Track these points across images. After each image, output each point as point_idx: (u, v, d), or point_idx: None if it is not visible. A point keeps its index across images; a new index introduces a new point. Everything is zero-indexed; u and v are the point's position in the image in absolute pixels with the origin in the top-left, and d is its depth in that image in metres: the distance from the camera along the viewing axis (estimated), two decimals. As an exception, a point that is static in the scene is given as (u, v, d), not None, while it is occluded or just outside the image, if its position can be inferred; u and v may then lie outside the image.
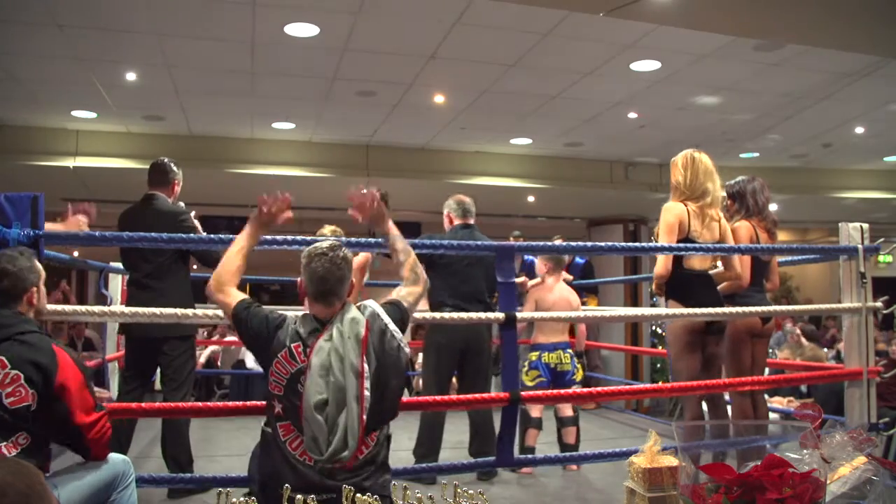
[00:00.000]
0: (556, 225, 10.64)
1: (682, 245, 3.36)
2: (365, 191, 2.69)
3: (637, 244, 3.50)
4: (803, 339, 6.33)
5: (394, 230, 2.74)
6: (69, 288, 5.60)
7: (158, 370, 3.84)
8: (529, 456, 4.10)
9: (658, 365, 9.23)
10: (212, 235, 3.04)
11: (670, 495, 2.21)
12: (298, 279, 2.36)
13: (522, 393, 3.20)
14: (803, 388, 5.61)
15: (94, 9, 4.27)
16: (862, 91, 5.79)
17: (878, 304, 3.65)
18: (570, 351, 4.62)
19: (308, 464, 2.12)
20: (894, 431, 3.68)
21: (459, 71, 5.39)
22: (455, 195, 4.40)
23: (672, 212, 3.43)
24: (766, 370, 4.29)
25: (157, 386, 5.01)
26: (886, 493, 1.91)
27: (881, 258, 12.50)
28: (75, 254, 6.08)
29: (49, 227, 2.78)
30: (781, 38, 4.75)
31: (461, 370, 4.20)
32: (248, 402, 2.93)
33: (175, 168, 3.87)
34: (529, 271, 7.05)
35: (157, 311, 2.77)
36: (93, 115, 6.49)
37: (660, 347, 8.23)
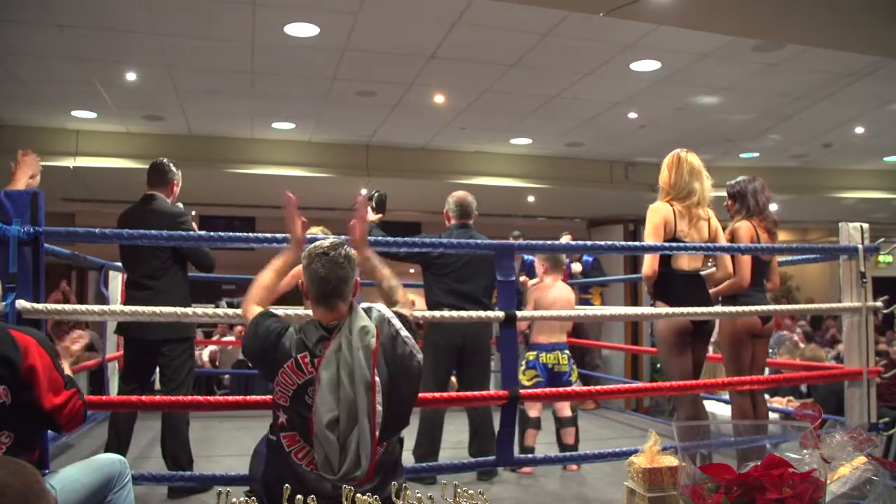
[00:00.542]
0: (556, 225, 10.64)
1: (681, 245, 3.36)
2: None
3: (637, 243, 3.48)
4: (801, 343, 6.33)
5: (374, 258, 2.53)
6: (69, 288, 5.58)
7: (158, 370, 3.84)
8: (529, 455, 4.10)
9: (658, 365, 9.22)
10: (210, 233, 3.02)
11: (670, 495, 2.21)
12: (300, 281, 2.28)
13: (522, 391, 3.20)
14: (803, 387, 5.61)
15: (94, 9, 4.27)
16: (862, 91, 5.79)
17: (879, 303, 3.65)
18: (567, 352, 4.61)
19: (315, 473, 2.07)
20: (894, 431, 3.68)
21: (459, 71, 5.40)
22: (457, 193, 4.36)
23: (657, 213, 3.43)
24: (766, 370, 4.29)
25: (157, 386, 4.99)
26: (886, 493, 1.91)
27: (881, 258, 12.50)
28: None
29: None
30: (781, 38, 4.75)
31: (460, 370, 4.20)
32: (249, 397, 2.93)
33: (174, 168, 3.87)
34: (529, 271, 7.05)
35: (157, 309, 2.76)
36: (93, 115, 6.49)
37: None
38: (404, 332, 2.18)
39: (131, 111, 6.43)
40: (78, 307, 2.66)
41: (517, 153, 8.12)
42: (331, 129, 7.15)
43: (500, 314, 3.08)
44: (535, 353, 4.54)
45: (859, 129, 7.11)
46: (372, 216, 4.18)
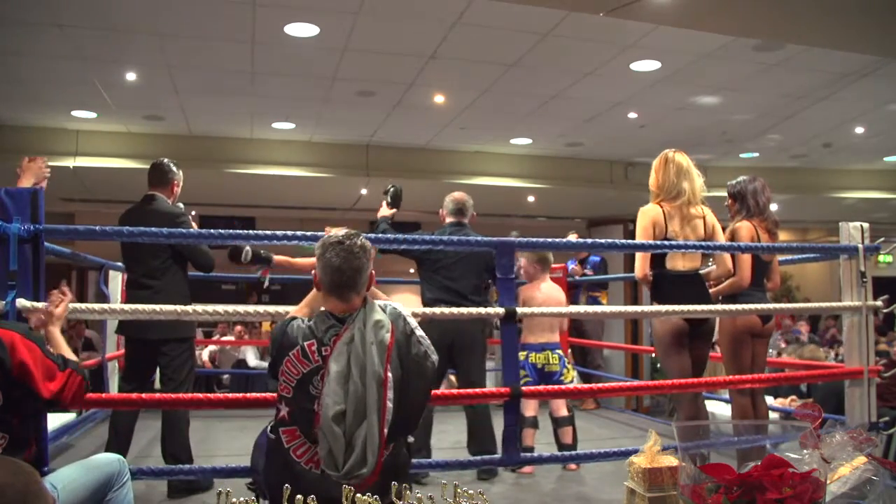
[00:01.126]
0: (556, 225, 10.65)
1: (679, 244, 3.36)
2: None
3: (637, 242, 3.47)
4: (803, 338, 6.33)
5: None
6: (69, 287, 5.60)
7: (158, 370, 3.84)
8: (534, 455, 4.05)
9: (658, 364, 9.23)
10: (210, 231, 3.02)
11: (670, 495, 2.21)
12: (313, 272, 2.21)
13: (523, 388, 3.19)
14: (803, 387, 5.61)
15: (94, 9, 4.27)
16: (862, 91, 5.79)
17: (879, 303, 3.65)
18: (558, 352, 4.56)
19: (314, 472, 1.99)
20: (894, 431, 3.68)
21: (459, 71, 5.40)
22: (454, 193, 4.37)
23: (647, 215, 3.42)
24: (766, 370, 4.28)
25: (158, 385, 4.97)
26: (886, 493, 1.91)
27: (881, 258, 12.50)
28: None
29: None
30: (781, 38, 4.75)
31: (457, 368, 4.20)
32: (249, 395, 2.93)
33: (175, 169, 3.86)
34: (595, 271, 7.10)
35: (157, 307, 2.76)
36: (93, 115, 6.49)
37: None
38: (419, 332, 2.12)
39: (131, 111, 6.43)
40: (78, 306, 2.65)
41: (517, 153, 8.12)
42: (331, 129, 7.15)
43: (500, 310, 3.08)
44: (524, 353, 4.50)
45: (859, 129, 7.11)
46: (386, 210, 4.22)
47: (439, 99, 6.09)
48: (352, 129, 7.18)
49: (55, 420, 4.11)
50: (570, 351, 6.92)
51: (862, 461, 1.94)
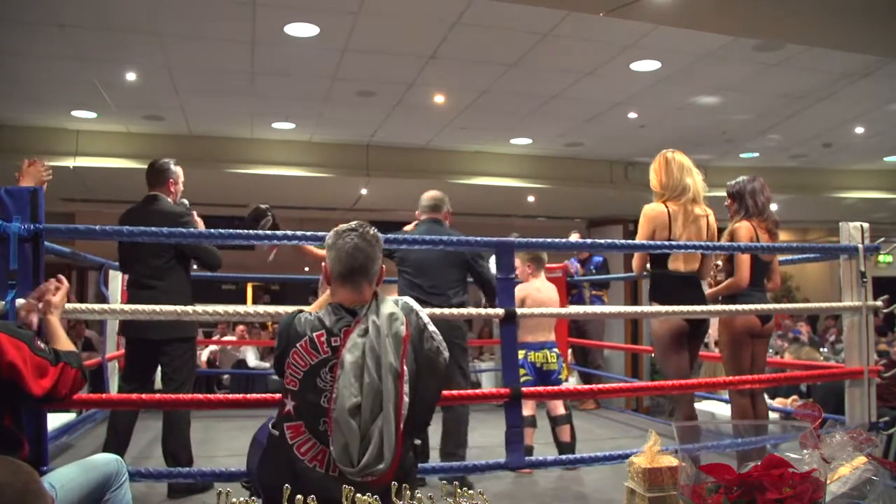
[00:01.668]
0: (556, 225, 10.65)
1: (680, 244, 3.36)
2: None
3: (637, 242, 3.47)
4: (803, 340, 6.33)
5: None
6: (68, 288, 5.60)
7: (159, 370, 3.84)
8: (537, 458, 3.98)
9: (658, 364, 9.23)
10: (211, 231, 3.02)
11: (670, 495, 2.21)
12: (323, 263, 2.18)
13: (523, 389, 3.19)
14: (803, 387, 5.61)
15: (94, 9, 4.27)
16: (862, 91, 5.79)
17: (879, 303, 3.65)
18: (556, 350, 4.57)
19: (318, 471, 1.92)
20: (894, 431, 3.68)
21: (459, 71, 5.40)
22: (429, 191, 4.25)
23: (649, 215, 3.44)
24: (766, 370, 4.28)
25: (157, 385, 4.96)
26: (886, 493, 1.91)
27: (881, 258, 12.51)
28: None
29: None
30: (781, 38, 4.75)
31: None
32: (249, 395, 2.92)
33: (172, 167, 3.85)
34: (598, 270, 7.08)
35: (157, 308, 2.76)
36: (93, 115, 6.49)
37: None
38: (432, 327, 2.07)
39: (131, 111, 6.43)
40: (78, 306, 2.65)
41: (517, 153, 8.12)
42: (331, 129, 7.15)
43: (500, 311, 3.08)
44: (523, 351, 4.48)
45: (859, 129, 7.11)
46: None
47: (439, 99, 6.09)
48: (352, 129, 7.18)
49: (55, 420, 4.12)
50: (570, 351, 6.93)
51: (862, 461, 1.93)
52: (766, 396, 4.30)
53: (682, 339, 3.45)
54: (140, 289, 3.64)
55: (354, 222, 2.15)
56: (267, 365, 8.08)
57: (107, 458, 2.24)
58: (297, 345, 1.98)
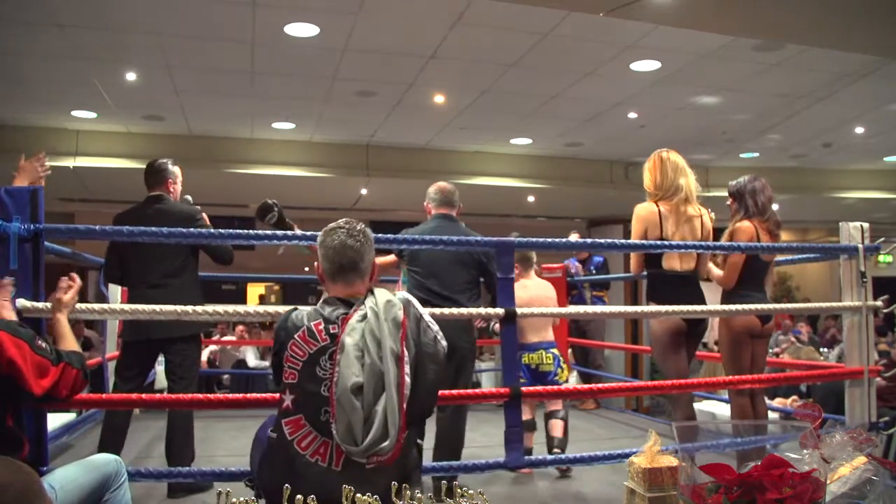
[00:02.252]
0: (556, 225, 10.65)
1: (680, 244, 3.36)
2: None
3: (637, 242, 3.47)
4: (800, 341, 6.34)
5: None
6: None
7: (158, 369, 3.85)
8: (536, 458, 3.92)
9: (657, 364, 9.23)
10: (212, 230, 3.03)
11: (670, 495, 2.21)
12: (315, 263, 2.17)
13: (523, 388, 3.18)
14: (803, 387, 5.61)
15: (94, 9, 4.27)
16: (862, 91, 5.79)
17: (879, 303, 3.65)
18: (553, 350, 4.43)
19: (320, 465, 1.88)
20: (894, 431, 3.68)
21: (459, 71, 5.40)
22: (439, 183, 4.05)
23: (640, 215, 3.45)
24: (766, 370, 4.28)
25: (157, 385, 4.99)
26: (886, 493, 1.91)
27: (881, 258, 12.51)
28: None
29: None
30: (781, 38, 4.75)
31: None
32: (249, 395, 2.92)
33: (170, 167, 3.84)
34: (598, 270, 7.07)
35: (158, 308, 2.76)
36: (93, 115, 6.50)
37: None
38: (427, 317, 2.07)
39: (131, 111, 6.43)
40: (78, 305, 2.65)
41: (517, 153, 8.13)
42: (331, 129, 7.15)
43: (500, 311, 3.07)
44: (518, 353, 4.29)
45: (859, 129, 7.12)
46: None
47: (439, 99, 6.09)
48: (352, 129, 7.18)
49: (55, 420, 4.11)
50: (570, 351, 6.93)
51: (862, 461, 1.93)
52: (765, 396, 4.30)
53: (681, 338, 3.47)
54: (151, 288, 3.62)
55: (343, 220, 2.15)
56: (266, 364, 8.08)
57: (106, 459, 2.24)
58: (296, 335, 1.97)
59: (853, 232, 3.66)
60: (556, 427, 4.36)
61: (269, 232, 2.91)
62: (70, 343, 2.24)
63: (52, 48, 4.81)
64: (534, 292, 4.51)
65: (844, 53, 4.97)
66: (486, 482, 3.93)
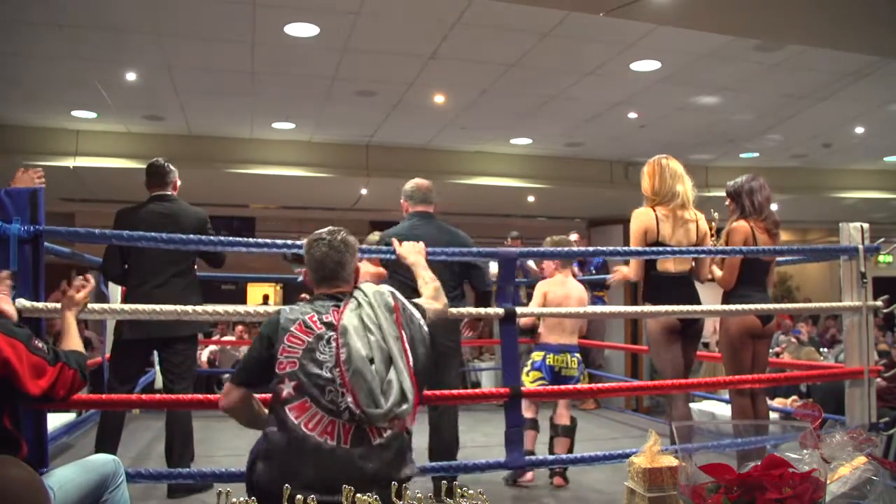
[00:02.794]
0: (556, 225, 10.65)
1: (679, 249, 3.40)
2: None
3: (639, 248, 3.49)
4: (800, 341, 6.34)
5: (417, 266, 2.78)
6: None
7: (163, 369, 3.84)
8: (536, 458, 3.85)
9: (653, 362, 9.22)
10: (212, 238, 3.05)
11: (670, 495, 2.21)
12: (304, 271, 2.34)
13: (523, 388, 3.18)
14: (803, 387, 5.61)
15: (94, 9, 4.27)
16: (862, 91, 5.79)
17: (879, 303, 3.65)
18: (577, 355, 4.31)
19: (329, 443, 1.93)
20: (894, 431, 3.68)
21: (459, 71, 5.39)
22: (416, 179, 3.94)
23: (639, 219, 3.57)
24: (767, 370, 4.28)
25: (157, 385, 4.97)
26: (886, 493, 1.91)
27: (881, 258, 12.51)
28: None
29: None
30: (781, 38, 4.75)
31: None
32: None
33: (172, 168, 3.88)
34: (599, 270, 7.06)
35: (158, 307, 2.76)
36: (93, 115, 6.49)
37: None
38: (410, 307, 2.23)
39: (131, 111, 6.43)
40: (78, 306, 2.64)
41: (517, 153, 8.12)
42: (331, 129, 7.14)
43: (500, 311, 3.08)
44: (541, 353, 4.26)
45: (859, 129, 7.11)
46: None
47: (439, 99, 6.09)
48: (352, 129, 7.18)
49: (55, 420, 4.11)
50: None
51: (862, 461, 1.93)
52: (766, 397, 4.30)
53: (675, 335, 3.56)
54: (157, 287, 3.62)
55: (326, 229, 2.31)
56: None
57: (104, 459, 2.24)
58: (291, 328, 2.08)
59: (853, 232, 3.66)
60: (562, 445, 4.25)
61: (267, 241, 2.92)
62: (73, 342, 2.23)
63: (52, 48, 4.81)
64: (569, 291, 4.39)
65: (844, 53, 4.97)
66: (486, 482, 3.93)
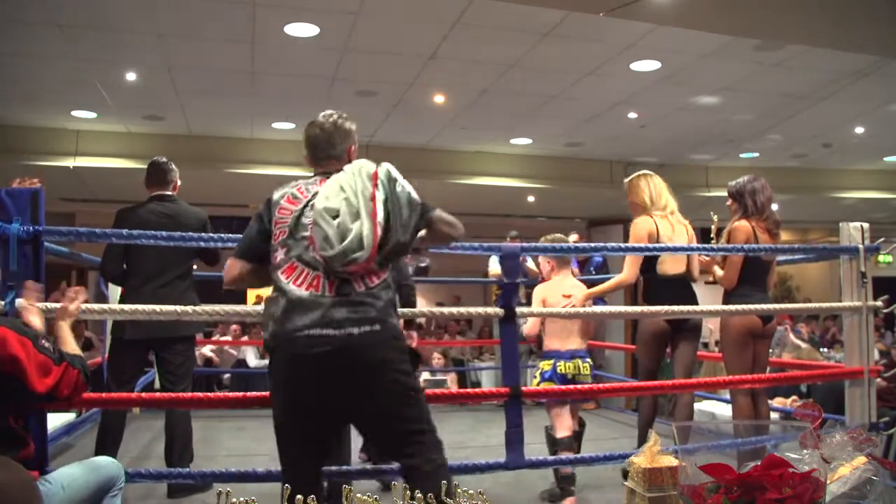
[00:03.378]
0: (556, 225, 10.64)
1: (682, 246, 3.42)
2: None
3: (639, 244, 3.50)
4: (798, 341, 6.33)
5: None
6: (69, 288, 5.61)
7: (161, 370, 3.84)
8: (536, 458, 3.51)
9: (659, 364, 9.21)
10: (212, 234, 3.05)
11: (670, 495, 2.21)
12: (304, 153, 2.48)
13: (523, 388, 3.18)
14: (803, 387, 5.61)
15: (94, 9, 4.27)
16: (862, 91, 5.79)
17: (879, 303, 3.65)
18: (588, 360, 4.04)
19: (315, 294, 2.07)
20: (894, 431, 3.68)
21: (459, 71, 5.39)
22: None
23: (642, 227, 3.74)
24: (768, 370, 4.28)
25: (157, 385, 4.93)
26: (886, 493, 1.91)
27: (881, 258, 12.49)
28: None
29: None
30: (782, 39, 4.75)
31: None
32: (249, 395, 2.92)
33: (174, 167, 3.88)
34: (598, 270, 7.05)
35: (157, 308, 2.76)
36: (93, 115, 6.49)
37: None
38: (404, 182, 2.23)
39: (131, 111, 6.43)
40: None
41: (517, 153, 8.12)
42: (331, 129, 7.14)
43: (500, 311, 3.07)
44: (551, 361, 3.95)
45: (859, 129, 7.11)
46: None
47: (439, 99, 6.09)
48: (352, 129, 7.18)
49: (55, 420, 4.11)
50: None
51: (862, 461, 1.93)
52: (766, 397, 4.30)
53: (664, 337, 3.78)
54: (161, 287, 3.62)
55: (324, 112, 2.53)
56: (266, 362, 8.07)
57: (108, 461, 2.26)
58: (282, 202, 2.24)
59: (853, 232, 3.66)
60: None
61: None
62: (71, 347, 2.26)
63: (52, 48, 4.81)
64: (569, 292, 4.11)
65: (844, 53, 4.97)
66: (488, 482, 3.93)
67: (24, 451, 2.02)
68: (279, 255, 2.17)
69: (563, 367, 3.92)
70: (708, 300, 3.91)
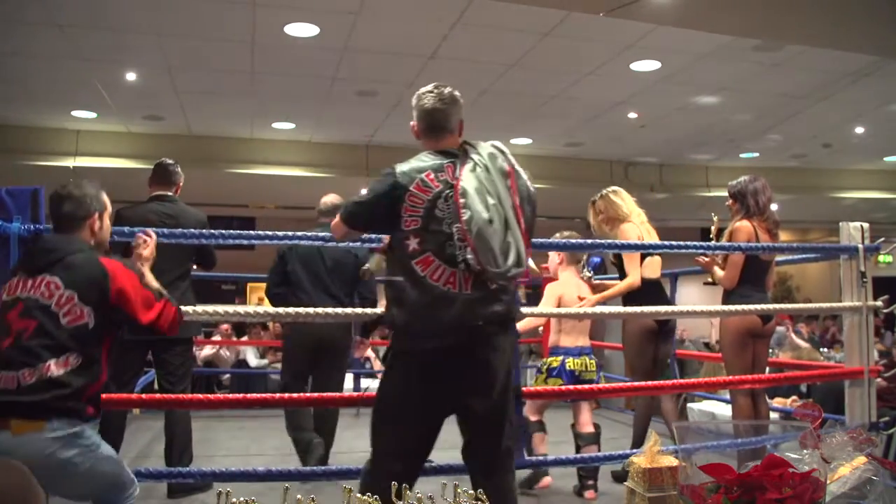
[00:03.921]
0: (556, 225, 10.64)
1: (685, 244, 3.42)
2: None
3: (638, 242, 3.52)
4: (799, 341, 6.33)
5: None
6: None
7: (159, 371, 3.84)
8: (537, 458, 3.73)
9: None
10: (213, 231, 3.04)
11: (670, 495, 2.21)
12: (412, 123, 2.51)
13: (524, 388, 3.18)
14: (803, 387, 5.60)
15: (94, 9, 4.27)
16: (862, 91, 5.79)
17: (879, 303, 3.65)
18: (594, 357, 4.10)
19: (453, 291, 2.11)
20: (894, 431, 3.68)
21: (459, 71, 5.40)
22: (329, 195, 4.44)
23: (632, 232, 3.96)
24: (767, 370, 4.29)
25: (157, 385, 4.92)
26: (886, 493, 1.91)
27: (881, 258, 12.49)
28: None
29: None
30: (781, 38, 4.75)
31: (315, 368, 4.01)
32: (249, 395, 2.93)
33: (179, 170, 3.88)
34: (596, 270, 7.02)
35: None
36: (93, 115, 6.50)
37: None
38: (519, 169, 2.29)
39: (131, 111, 6.43)
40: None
41: (517, 153, 7.98)
42: (331, 129, 7.15)
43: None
44: (560, 357, 3.98)
45: (859, 129, 7.12)
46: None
47: (439, 99, 6.09)
48: (352, 129, 7.18)
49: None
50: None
51: (862, 461, 1.93)
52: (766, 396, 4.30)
53: (654, 336, 3.96)
54: (164, 288, 3.62)
55: (433, 84, 2.46)
56: (266, 362, 8.07)
57: (129, 470, 2.29)
58: (411, 188, 2.20)
59: (853, 232, 3.66)
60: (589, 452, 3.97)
61: (268, 232, 2.92)
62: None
63: (52, 48, 4.81)
64: (583, 292, 4.17)
65: (844, 53, 4.97)
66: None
67: (95, 386, 2.14)
68: (412, 243, 2.17)
69: (572, 363, 3.99)
70: (707, 300, 3.92)
